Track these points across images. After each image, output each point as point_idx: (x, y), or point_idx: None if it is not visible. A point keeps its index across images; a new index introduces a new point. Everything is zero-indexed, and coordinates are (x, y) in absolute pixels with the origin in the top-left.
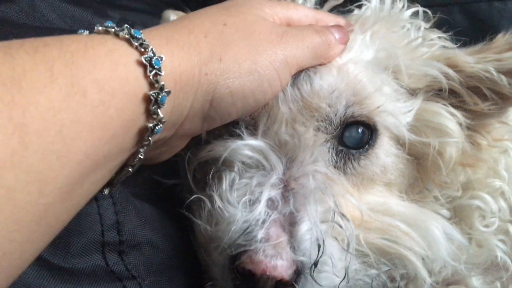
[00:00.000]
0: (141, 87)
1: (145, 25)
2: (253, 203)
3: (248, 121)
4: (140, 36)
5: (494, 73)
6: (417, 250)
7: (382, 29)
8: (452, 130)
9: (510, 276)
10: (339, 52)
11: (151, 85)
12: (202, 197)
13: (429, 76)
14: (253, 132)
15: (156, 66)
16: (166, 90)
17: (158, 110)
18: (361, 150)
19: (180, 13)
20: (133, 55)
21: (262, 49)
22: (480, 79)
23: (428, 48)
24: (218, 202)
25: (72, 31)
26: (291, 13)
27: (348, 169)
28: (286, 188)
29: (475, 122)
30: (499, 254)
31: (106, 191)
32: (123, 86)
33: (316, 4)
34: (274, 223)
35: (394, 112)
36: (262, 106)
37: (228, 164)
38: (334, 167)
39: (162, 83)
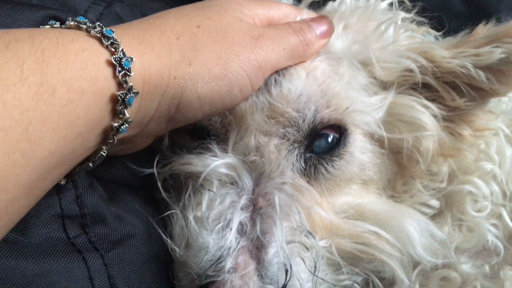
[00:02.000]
0: (110, 87)
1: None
2: (224, 228)
3: (218, 134)
4: (111, 36)
5: (471, 68)
6: (392, 253)
7: (357, 22)
8: (426, 124)
9: (501, 260)
10: (320, 48)
11: (120, 86)
12: (177, 212)
13: (402, 69)
14: (224, 147)
15: (125, 67)
16: (134, 91)
17: (125, 110)
18: (332, 152)
19: None
20: (104, 54)
21: (234, 54)
22: (457, 74)
23: (404, 41)
24: (193, 225)
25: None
26: (273, 13)
27: (321, 174)
28: (255, 208)
29: (454, 114)
30: (490, 238)
31: (63, 181)
32: (92, 86)
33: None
34: (242, 250)
35: (364, 109)
36: (233, 119)
37: (204, 180)
38: (304, 174)
39: (131, 84)
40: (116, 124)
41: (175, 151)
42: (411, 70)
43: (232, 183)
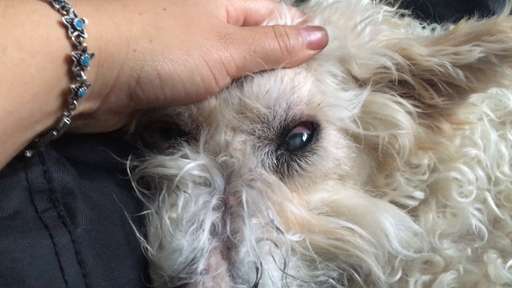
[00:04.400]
0: (63, 48)
1: None
2: (197, 230)
3: (189, 131)
4: (79, 28)
5: (450, 67)
6: (367, 248)
7: (339, 18)
8: (401, 121)
9: (485, 244)
10: (306, 58)
11: (74, 47)
12: (153, 212)
13: (378, 66)
14: (195, 147)
15: (78, 28)
16: (89, 52)
17: (81, 72)
18: (305, 147)
19: None
20: (55, 16)
21: (197, 44)
22: (435, 72)
23: (384, 37)
24: (168, 227)
25: None
26: (249, 4)
27: (294, 171)
28: (226, 207)
29: (432, 110)
30: (474, 222)
31: (28, 153)
32: (44, 46)
33: None
34: (214, 251)
35: (338, 104)
36: (204, 116)
37: (179, 182)
38: (277, 172)
39: (85, 45)
40: (73, 86)
41: (147, 147)
42: (387, 68)
43: (205, 183)
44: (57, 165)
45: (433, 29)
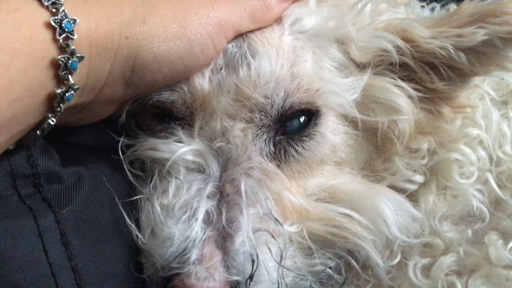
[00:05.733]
0: (49, 50)
1: None
2: (190, 218)
3: (184, 117)
4: (68, 29)
5: (452, 50)
6: (365, 235)
7: None
8: (402, 106)
9: (485, 226)
10: (281, 12)
11: (61, 49)
12: (145, 197)
13: (379, 49)
14: (189, 132)
15: (67, 30)
16: (78, 55)
17: (69, 76)
18: (302, 132)
19: None
20: (42, 15)
21: (193, 11)
22: (436, 55)
23: (383, 18)
24: (159, 213)
25: None
26: None
27: (291, 156)
28: (222, 196)
29: (432, 95)
30: (475, 203)
31: (11, 146)
32: (27, 48)
33: None
34: (208, 240)
35: (337, 90)
36: (198, 103)
37: (171, 168)
38: (274, 158)
39: (73, 47)
40: (59, 91)
41: (140, 129)
42: (388, 51)
43: (199, 170)
44: (42, 151)
45: (432, 9)
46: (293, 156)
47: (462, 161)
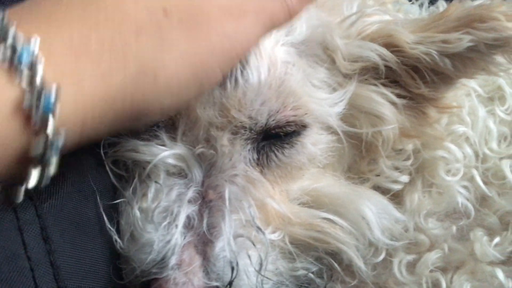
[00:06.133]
0: (18, 140)
1: None
2: (170, 224)
3: (167, 121)
4: (28, 60)
5: (437, 56)
6: (347, 240)
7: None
8: (386, 115)
9: (471, 222)
10: (299, 14)
11: (36, 134)
12: (126, 201)
13: (365, 59)
14: (172, 135)
15: (43, 111)
16: (58, 143)
17: (46, 169)
18: (284, 139)
19: None
20: (11, 93)
21: (211, 47)
22: (420, 60)
23: (370, 20)
24: (137, 218)
25: None
26: None
27: (273, 162)
28: (204, 201)
29: (417, 99)
30: (460, 200)
31: None
32: None
33: None
34: (188, 245)
35: (324, 106)
36: (182, 108)
37: (151, 171)
38: (257, 164)
39: (50, 132)
40: (33, 177)
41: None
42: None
43: (180, 174)
44: None
45: (421, 5)
46: (274, 161)
47: (448, 159)
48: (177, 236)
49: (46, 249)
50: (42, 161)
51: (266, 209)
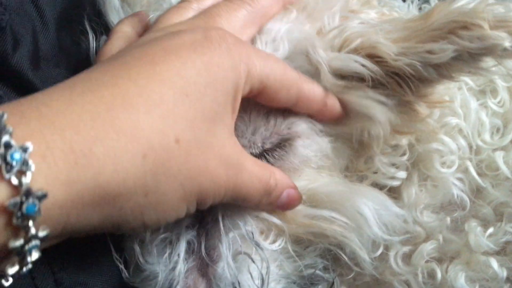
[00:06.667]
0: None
1: None
2: (171, 255)
3: None
4: (18, 161)
5: (420, 67)
6: (346, 234)
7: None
8: (377, 117)
9: (466, 213)
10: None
11: (16, 233)
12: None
13: (350, 71)
14: None
15: (28, 213)
16: (41, 234)
17: (27, 257)
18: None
19: None
20: None
21: (200, 187)
22: (403, 71)
23: (351, 35)
24: (138, 251)
25: None
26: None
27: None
28: (201, 224)
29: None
30: (456, 192)
31: None
32: None
33: None
34: (192, 270)
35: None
36: None
37: None
38: None
39: (33, 233)
40: (11, 272)
41: None
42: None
43: None
44: None
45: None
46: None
47: (443, 151)
48: (180, 264)
49: None
50: (20, 257)
51: (262, 221)
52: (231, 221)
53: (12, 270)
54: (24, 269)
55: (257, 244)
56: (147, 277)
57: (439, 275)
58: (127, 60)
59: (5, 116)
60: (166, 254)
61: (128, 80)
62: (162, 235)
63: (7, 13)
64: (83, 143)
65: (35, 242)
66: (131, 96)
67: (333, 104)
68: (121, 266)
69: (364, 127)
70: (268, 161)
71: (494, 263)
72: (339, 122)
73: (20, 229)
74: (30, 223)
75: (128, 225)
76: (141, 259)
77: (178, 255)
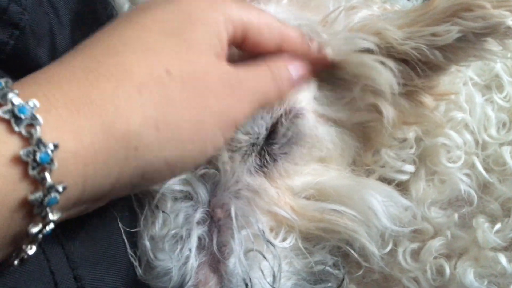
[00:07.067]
0: (17, 189)
1: None
2: (183, 250)
3: None
4: (27, 115)
5: (426, 50)
6: (356, 229)
7: None
8: (383, 84)
9: (473, 209)
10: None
11: (35, 185)
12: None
13: (356, 50)
14: None
15: (42, 163)
16: (59, 187)
17: (48, 215)
18: (281, 132)
19: None
20: (9, 145)
21: (210, 110)
22: (410, 55)
23: (357, 16)
24: (148, 250)
25: None
26: (252, 18)
27: (273, 159)
28: (213, 220)
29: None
30: (463, 187)
31: None
32: None
33: None
34: (203, 265)
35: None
36: None
37: (159, 200)
38: (261, 167)
39: (50, 182)
40: (34, 230)
41: None
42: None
43: (186, 198)
44: None
45: None
46: (275, 158)
47: (449, 145)
48: (192, 259)
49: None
50: (41, 214)
51: (274, 216)
52: (244, 218)
53: (35, 228)
54: (47, 228)
55: (269, 241)
56: (158, 273)
57: (447, 271)
58: (111, 26)
59: (10, 82)
60: (178, 250)
61: (112, 36)
62: (173, 231)
63: (26, 13)
64: (80, 92)
65: (54, 195)
66: (116, 45)
67: (319, 48)
68: (136, 263)
69: (365, 88)
70: (277, 153)
71: (502, 258)
72: (341, 85)
73: (37, 182)
74: (47, 174)
75: (151, 168)
76: (151, 255)
77: (190, 250)
